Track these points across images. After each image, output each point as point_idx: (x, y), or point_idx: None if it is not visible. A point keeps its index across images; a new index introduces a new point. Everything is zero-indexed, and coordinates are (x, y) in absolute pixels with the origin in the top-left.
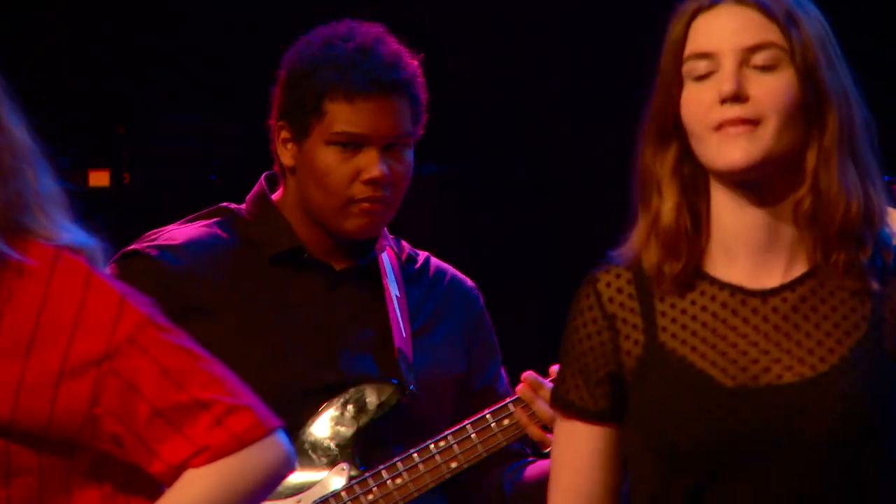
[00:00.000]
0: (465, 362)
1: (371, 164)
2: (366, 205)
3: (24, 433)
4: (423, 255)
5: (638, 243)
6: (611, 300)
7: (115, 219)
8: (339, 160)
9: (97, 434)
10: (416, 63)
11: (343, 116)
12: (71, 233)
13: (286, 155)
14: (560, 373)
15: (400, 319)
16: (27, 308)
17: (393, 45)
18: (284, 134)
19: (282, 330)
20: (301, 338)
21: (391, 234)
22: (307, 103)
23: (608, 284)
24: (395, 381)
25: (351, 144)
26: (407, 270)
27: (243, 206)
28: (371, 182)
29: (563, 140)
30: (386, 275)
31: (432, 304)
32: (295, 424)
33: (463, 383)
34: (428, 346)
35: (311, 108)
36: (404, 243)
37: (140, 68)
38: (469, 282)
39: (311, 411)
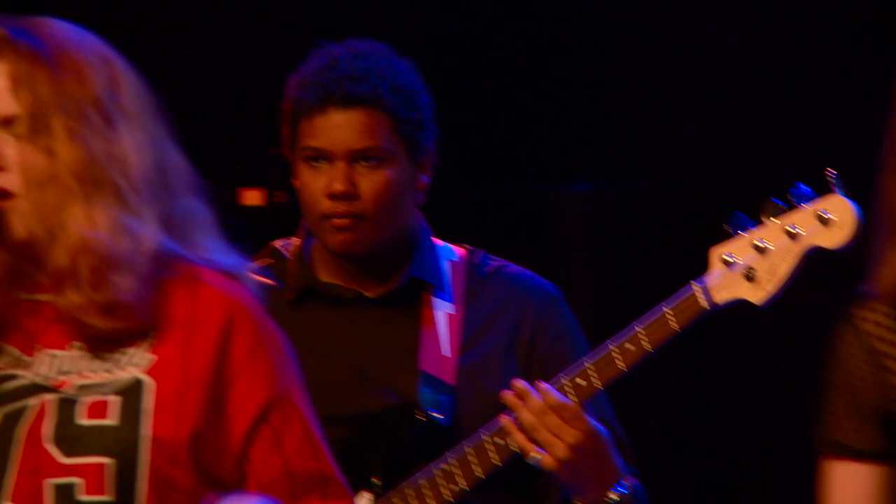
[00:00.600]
0: (516, 372)
1: (333, 178)
2: (336, 220)
3: (208, 461)
4: (498, 263)
5: (892, 276)
6: (873, 336)
7: (267, 238)
8: (310, 176)
9: (239, 472)
10: (406, 76)
11: (307, 131)
12: (223, 255)
13: (295, 182)
14: (826, 415)
15: (443, 340)
16: (208, 332)
17: (375, 59)
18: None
19: (308, 367)
20: (325, 370)
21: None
22: (290, 125)
23: (867, 320)
24: (411, 406)
25: (319, 159)
26: (471, 284)
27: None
28: (333, 197)
29: (716, 158)
30: (433, 294)
31: (484, 315)
32: None
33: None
34: (472, 364)
35: (292, 129)
36: (482, 253)
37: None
38: (540, 282)
39: (333, 441)
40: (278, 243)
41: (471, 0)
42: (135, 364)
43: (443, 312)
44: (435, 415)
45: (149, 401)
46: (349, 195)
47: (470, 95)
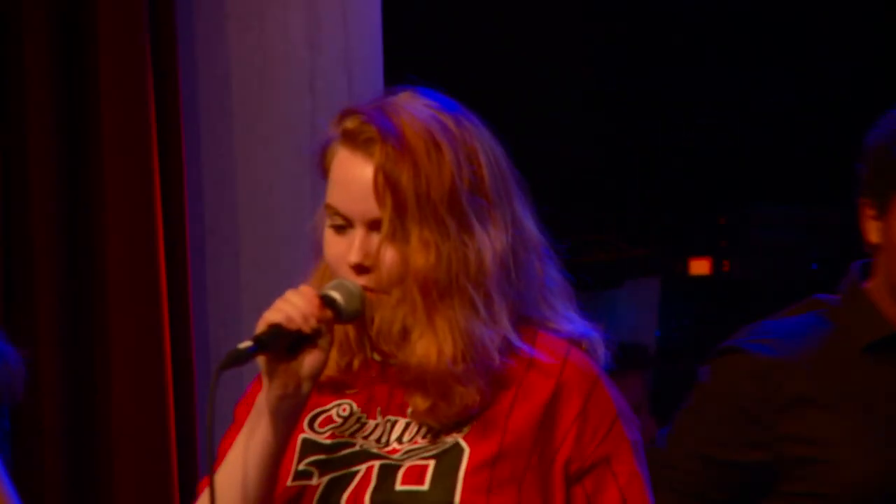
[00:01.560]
0: None
1: None
2: None
3: None
4: None
5: None
6: None
7: (715, 307)
8: None
9: None
10: None
11: None
12: (575, 324)
13: (872, 232)
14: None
15: None
16: (536, 399)
17: None
18: (869, 211)
19: (881, 420)
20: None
21: None
22: (888, 178)
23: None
24: None
25: None
26: None
27: (837, 295)
28: None
29: None
30: None
31: None
32: None
33: None
34: None
35: (892, 182)
36: None
37: (739, 159)
38: None
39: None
40: (822, 297)
41: None
42: (457, 430)
43: None
44: None
45: (462, 467)
46: None
47: None
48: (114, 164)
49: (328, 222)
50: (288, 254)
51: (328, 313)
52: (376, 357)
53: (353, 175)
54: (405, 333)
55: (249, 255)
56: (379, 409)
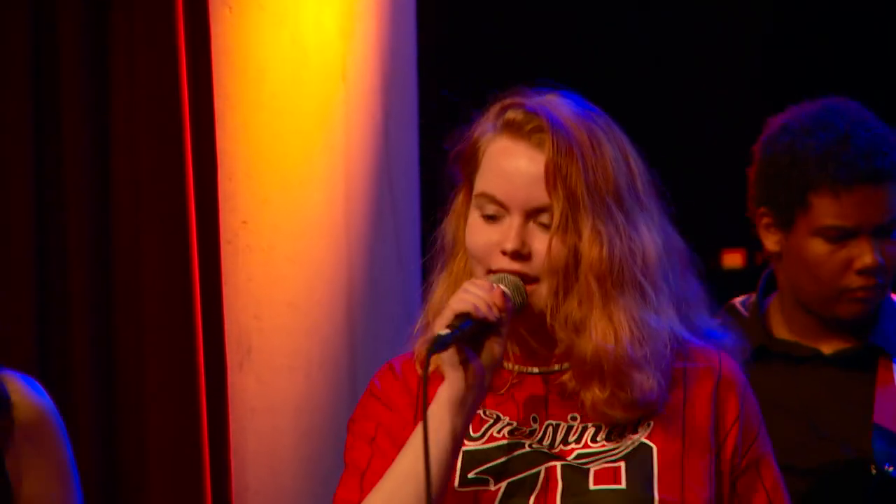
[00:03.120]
0: None
1: (863, 254)
2: (860, 293)
3: None
4: None
5: None
6: None
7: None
8: (828, 251)
9: None
10: None
11: (829, 210)
12: (712, 335)
13: (770, 240)
14: None
15: None
16: (704, 398)
17: (873, 128)
18: (766, 220)
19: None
20: (781, 424)
21: None
22: (791, 195)
23: None
24: (865, 461)
25: (840, 237)
26: None
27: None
28: (864, 272)
29: None
30: (892, 360)
31: None
32: None
33: None
34: None
35: (794, 200)
36: None
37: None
38: None
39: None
40: (738, 300)
41: None
42: (632, 432)
43: None
44: (889, 469)
45: (655, 464)
46: (881, 268)
47: None
48: (147, 157)
49: (477, 212)
50: (320, 246)
51: (509, 303)
52: (509, 366)
53: (519, 164)
54: (580, 322)
55: (282, 247)
56: (534, 416)
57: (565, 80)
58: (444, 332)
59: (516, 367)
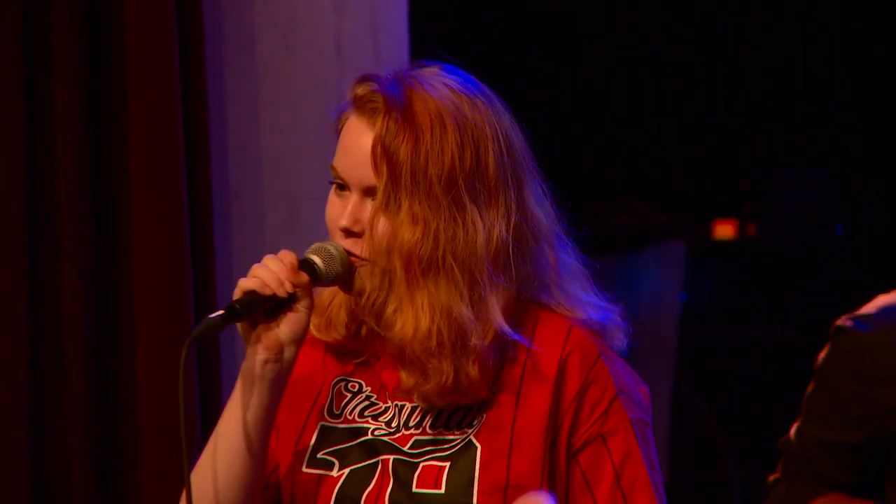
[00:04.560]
0: None
1: None
2: None
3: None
4: None
5: None
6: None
7: (738, 271)
8: None
9: None
10: None
11: None
12: (590, 309)
13: None
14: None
15: None
16: (541, 395)
17: None
18: None
19: None
20: None
21: None
22: None
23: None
24: None
25: None
26: None
27: None
28: None
29: None
30: None
31: None
32: None
33: None
34: None
35: None
36: None
37: (763, 123)
38: None
39: None
40: None
41: None
42: (468, 425)
43: None
44: None
45: (476, 466)
46: None
47: None
48: (137, 127)
49: (333, 186)
50: (312, 217)
51: (304, 277)
52: (378, 328)
53: (355, 141)
54: (386, 308)
55: (274, 218)
56: (387, 392)
57: (555, 55)
58: (217, 313)
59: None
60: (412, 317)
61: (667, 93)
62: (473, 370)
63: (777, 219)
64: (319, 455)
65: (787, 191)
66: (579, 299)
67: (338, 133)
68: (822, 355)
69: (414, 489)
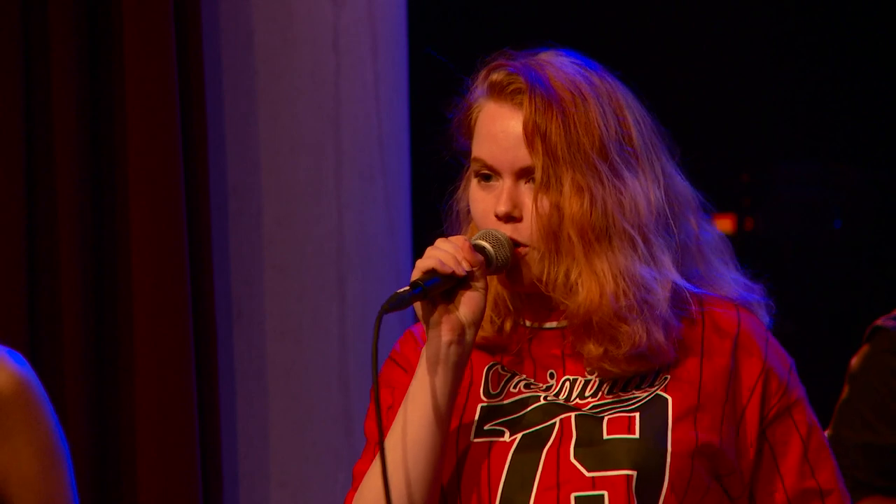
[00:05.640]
0: None
1: None
2: None
3: (722, 464)
4: None
5: None
6: None
7: (737, 265)
8: None
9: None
10: None
11: None
12: (736, 286)
13: None
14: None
15: None
16: (720, 359)
17: None
18: None
19: None
20: None
21: None
22: None
23: None
24: None
25: None
26: None
27: None
28: None
29: None
30: None
31: None
32: None
33: None
34: None
35: None
36: None
37: (762, 117)
38: None
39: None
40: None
41: None
42: (650, 384)
43: None
44: None
45: (669, 416)
46: None
47: None
48: (135, 124)
49: (476, 179)
50: (309, 212)
51: (480, 257)
52: (527, 323)
53: (502, 126)
54: (568, 281)
55: (271, 213)
56: (551, 372)
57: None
58: (404, 289)
59: (531, 324)
60: (596, 284)
61: (664, 87)
62: (660, 334)
63: (775, 213)
64: (487, 427)
65: (785, 185)
66: (723, 275)
67: (468, 128)
68: (856, 359)
69: (605, 436)
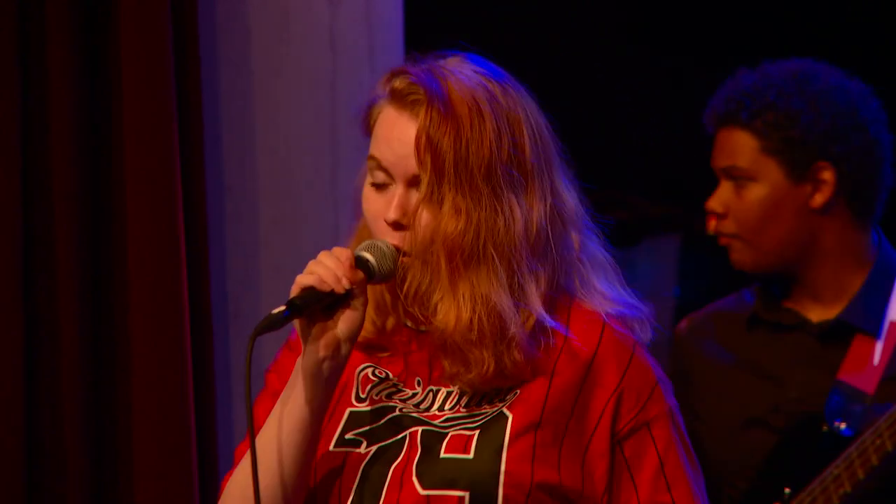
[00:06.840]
0: None
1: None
2: (720, 240)
3: (564, 495)
4: None
5: None
6: None
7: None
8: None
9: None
10: (803, 97)
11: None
12: (613, 300)
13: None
14: None
15: (877, 352)
16: (574, 376)
17: (777, 79)
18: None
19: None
20: (753, 387)
21: None
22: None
23: None
24: (817, 418)
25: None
26: None
27: None
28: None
29: None
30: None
31: None
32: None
33: None
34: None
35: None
36: None
37: None
38: None
39: (757, 442)
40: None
41: None
42: (500, 400)
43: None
44: (839, 426)
45: (507, 435)
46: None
47: None
48: (131, 122)
49: (369, 179)
50: (306, 212)
51: (360, 274)
52: (409, 324)
53: (398, 133)
54: (430, 297)
55: (268, 212)
56: (418, 379)
57: (549, 48)
58: (279, 310)
59: (412, 326)
60: (454, 308)
61: (661, 85)
62: (518, 355)
63: None
64: (347, 436)
65: None
66: (602, 290)
67: (367, 127)
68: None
69: (442, 455)
